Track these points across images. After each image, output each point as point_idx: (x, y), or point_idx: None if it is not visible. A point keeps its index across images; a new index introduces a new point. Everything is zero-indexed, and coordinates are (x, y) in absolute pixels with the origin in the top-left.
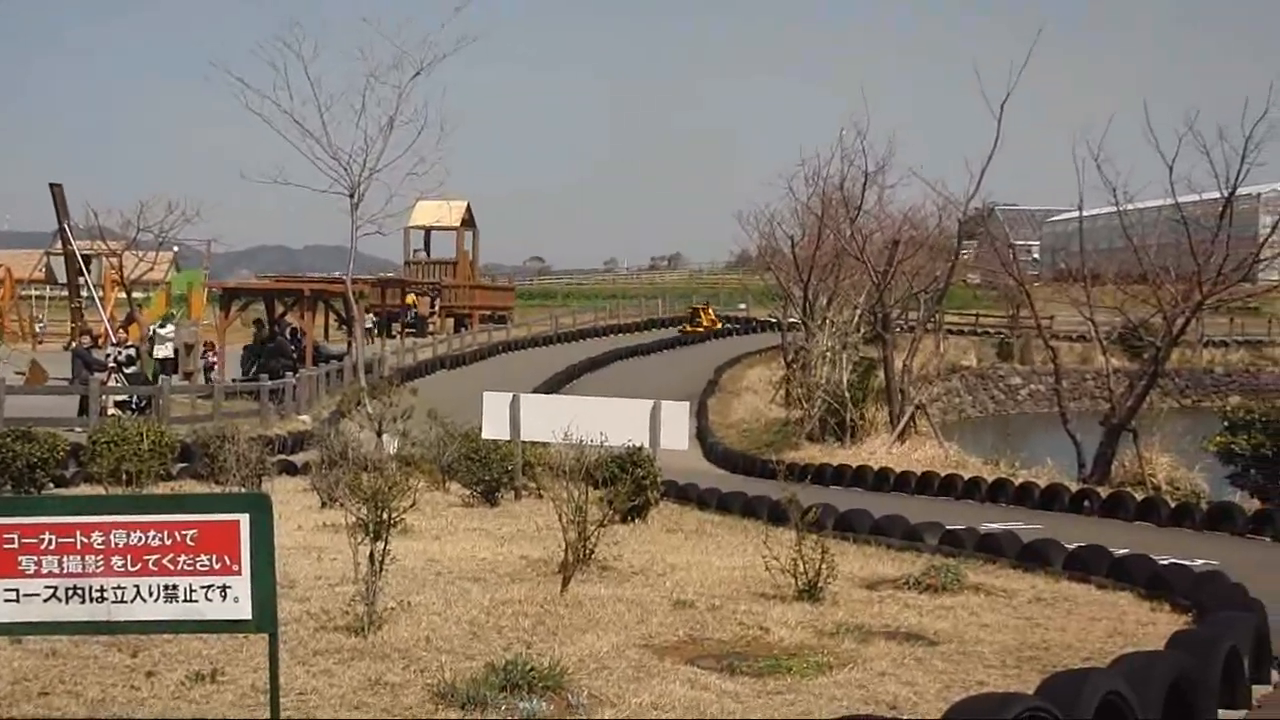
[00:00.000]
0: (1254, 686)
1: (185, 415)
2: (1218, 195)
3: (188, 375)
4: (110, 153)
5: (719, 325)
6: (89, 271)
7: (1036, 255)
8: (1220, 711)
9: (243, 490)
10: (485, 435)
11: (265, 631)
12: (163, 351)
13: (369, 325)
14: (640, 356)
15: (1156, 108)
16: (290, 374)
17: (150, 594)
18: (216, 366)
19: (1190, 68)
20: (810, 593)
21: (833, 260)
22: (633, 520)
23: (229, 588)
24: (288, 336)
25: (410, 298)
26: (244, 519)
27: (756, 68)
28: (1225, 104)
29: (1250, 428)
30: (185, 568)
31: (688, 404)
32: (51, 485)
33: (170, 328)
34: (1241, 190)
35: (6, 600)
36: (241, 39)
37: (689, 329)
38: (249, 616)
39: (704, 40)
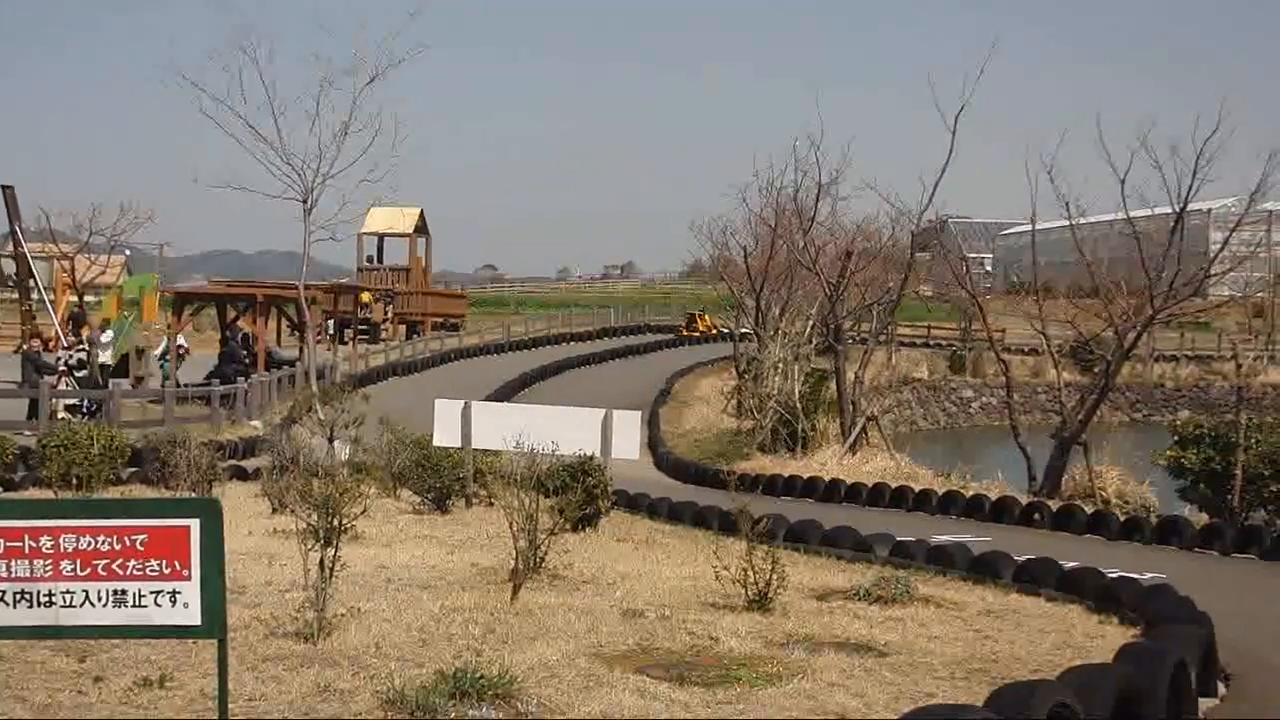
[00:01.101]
0: (1201, 699)
1: (136, 419)
2: (1169, 210)
3: (139, 380)
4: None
5: (715, 330)
6: (37, 274)
7: (989, 268)
8: None
9: (193, 495)
10: (437, 442)
11: (215, 637)
12: (103, 357)
13: (331, 331)
14: (592, 365)
15: (1109, 123)
16: (242, 379)
17: (99, 599)
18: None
19: (1143, 84)
20: (760, 603)
21: (786, 271)
22: (583, 529)
23: (179, 593)
24: (239, 342)
25: (366, 296)
26: (194, 524)
27: (712, 79)
28: (1177, 119)
29: (1199, 442)
30: (135, 573)
31: (639, 413)
32: (0, 489)
33: (109, 334)
34: (1193, 205)
35: None
36: (197, 43)
37: (685, 332)
38: (198, 622)
39: (659, 51)
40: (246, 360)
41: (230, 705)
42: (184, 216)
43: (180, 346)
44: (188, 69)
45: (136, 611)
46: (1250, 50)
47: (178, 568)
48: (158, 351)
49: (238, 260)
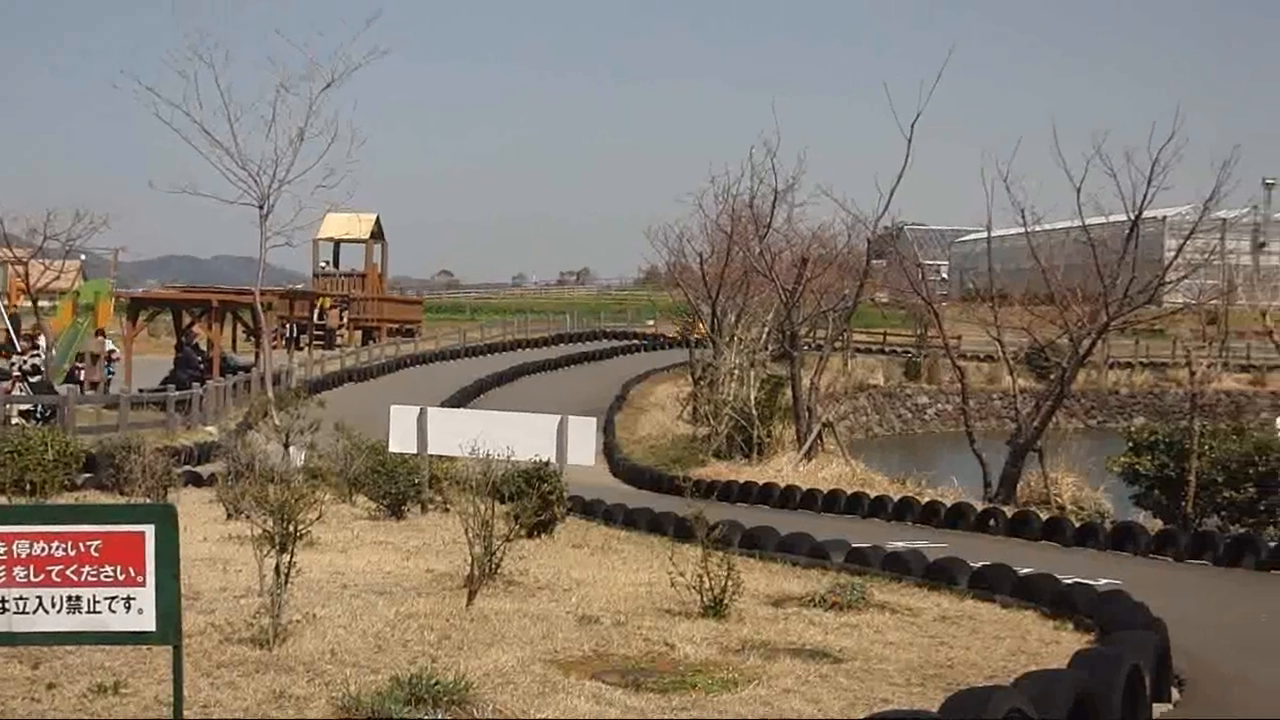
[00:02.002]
0: (1155, 705)
1: (91, 425)
2: (1124, 218)
3: (93, 385)
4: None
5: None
6: None
7: (945, 275)
8: None
9: (148, 501)
10: (392, 448)
11: (169, 643)
12: (34, 361)
13: (293, 334)
14: (548, 371)
15: (1065, 130)
16: (197, 385)
17: (53, 605)
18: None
19: (1099, 92)
20: (716, 609)
21: (741, 278)
22: (539, 535)
23: (133, 599)
24: (194, 347)
25: (326, 301)
26: (149, 530)
27: (670, 85)
28: (1133, 128)
29: (1154, 449)
30: (89, 579)
31: (595, 419)
32: None
33: (41, 340)
34: (1148, 213)
35: None
36: (153, 47)
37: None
38: (153, 628)
39: (615, 55)
40: (202, 365)
41: (185, 712)
42: (140, 221)
43: (110, 352)
44: (145, 75)
45: (91, 618)
46: (1205, 60)
47: (132, 574)
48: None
49: (194, 265)
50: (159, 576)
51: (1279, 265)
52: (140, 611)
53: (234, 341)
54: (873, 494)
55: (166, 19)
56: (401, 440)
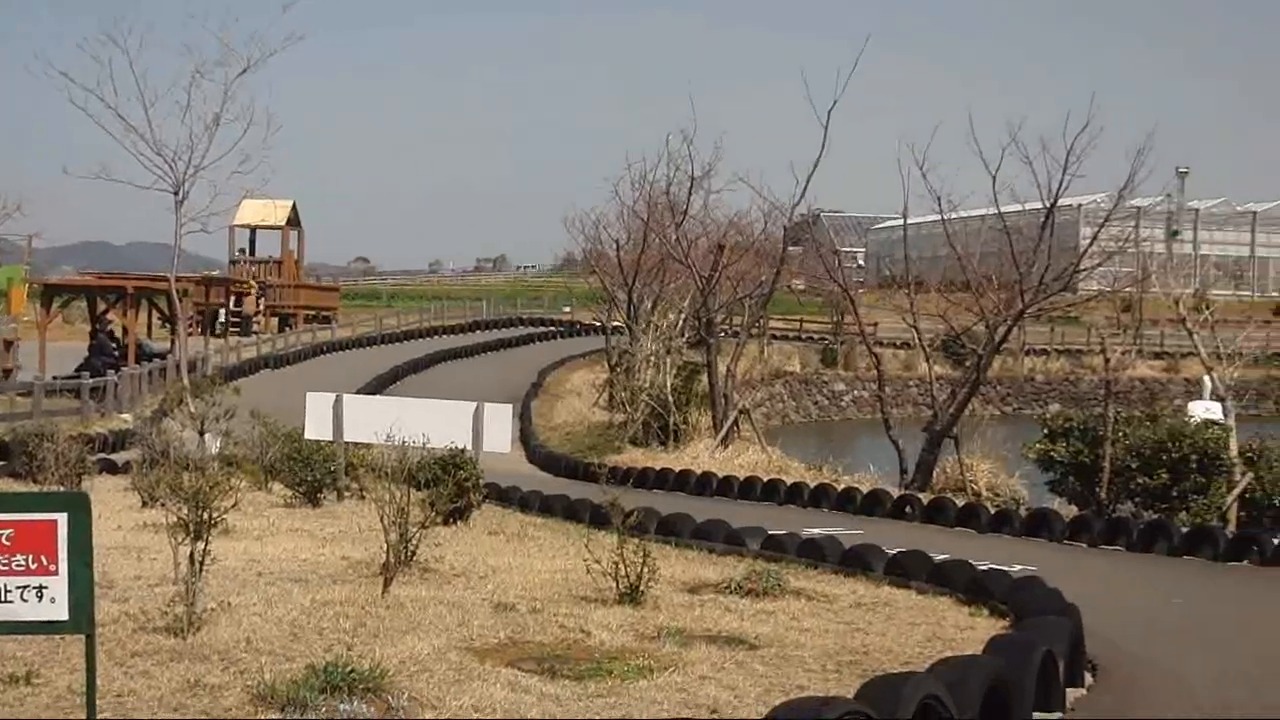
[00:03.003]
0: (1068, 689)
1: (3, 413)
2: (1040, 206)
3: (6, 372)
4: None
5: None
6: None
7: (862, 262)
8: (1035, 714)
9: (61, 489)
10: (308, 436)
11: (82, 633)
12: None
13: (222, 318)
14: (465, 358)
15: (980, 119)
16: (112, 372)
17: None
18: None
19: (1015, 80)
20: (632, 596)
21: (658, 264)
22: (455, 522)
23: (45, 588)
24: (109, 334)
25: (252, 286)
26: (61, 518)
27: (583, 68)
28: (1048, 116)
29: (1069, 435)
30: (0, 568)
31: (510, 406)
32: None
33: None
34: (1063, 201)
35: None
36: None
37: None
38: (65, 617)
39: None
40: (116, 353)
41: (98, 702)
42: (55, 207)
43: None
44: (59, 60)
45: (2, 607)
46: (1120, 49)
47: (44, 563)
48: None
49: (109, 252)
50: (72, 565)
51: (1192, 253)
52: (53, 601)
53: (149, 328)
54: (789, 481)
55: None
56: (318, 427)
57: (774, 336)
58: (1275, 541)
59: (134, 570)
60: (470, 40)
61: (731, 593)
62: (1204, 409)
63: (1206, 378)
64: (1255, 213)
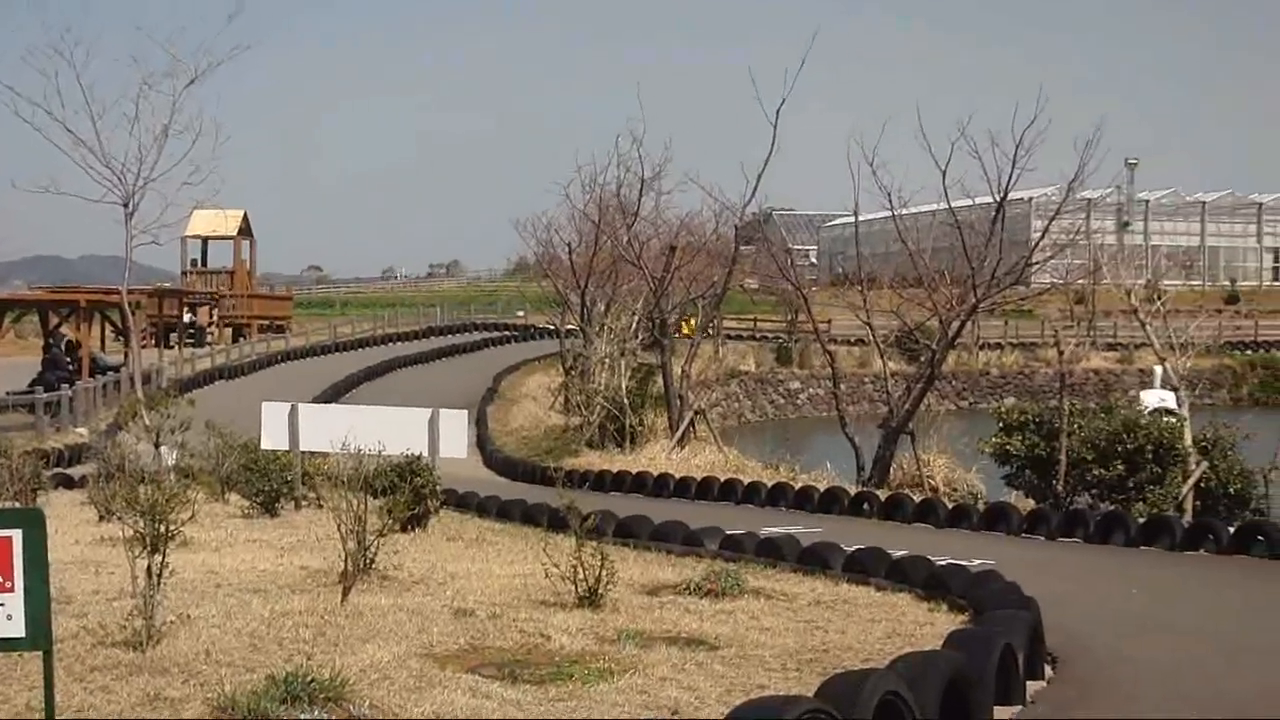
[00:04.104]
0: (1028, 682)
1: None
2: (990, 200)
3: None
4: None
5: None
6: None
7: (814, 260)
8: (995, 708)
9: (15, 505)
10: (264, 446)
11: (40, 649)
12: None
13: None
14: (419, 365)
15: (929, 114)
16: (66, 386)
17: None
18: None
19: (963, 74)
20: (591, 599)
21: (610, 266)
22: (413, 529)
23: (1, 605)
24: (63, 348)
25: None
26: (16, 535)
27: (535, 72)
28: (996, 110)
29: (1024, 429)
30: None
31: (466, 412)
32: None
33: None
34: (1013, 195)
35: None
36: (11, 44)
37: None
38: (22, 634)
39: (479, 44)
40: (70, 367)
41: (57, 717)
42: (3, 222)
43: None
44: (2, 72)
45: None
46: (1066, 41)
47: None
48: None
49: (61, 265)
50: (28, 581)
51: (1143, 244)
52: (9, 617)
53: (103, 341)
54: (746, 480)
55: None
56: (274, 437)
57: (728, 336)
58: (1231, 530)
59: (92, 585)
60: (421, 47)
61: (690, 594)
62: (1158, 399)
63: (1158, 367)
64: (1204, 203)
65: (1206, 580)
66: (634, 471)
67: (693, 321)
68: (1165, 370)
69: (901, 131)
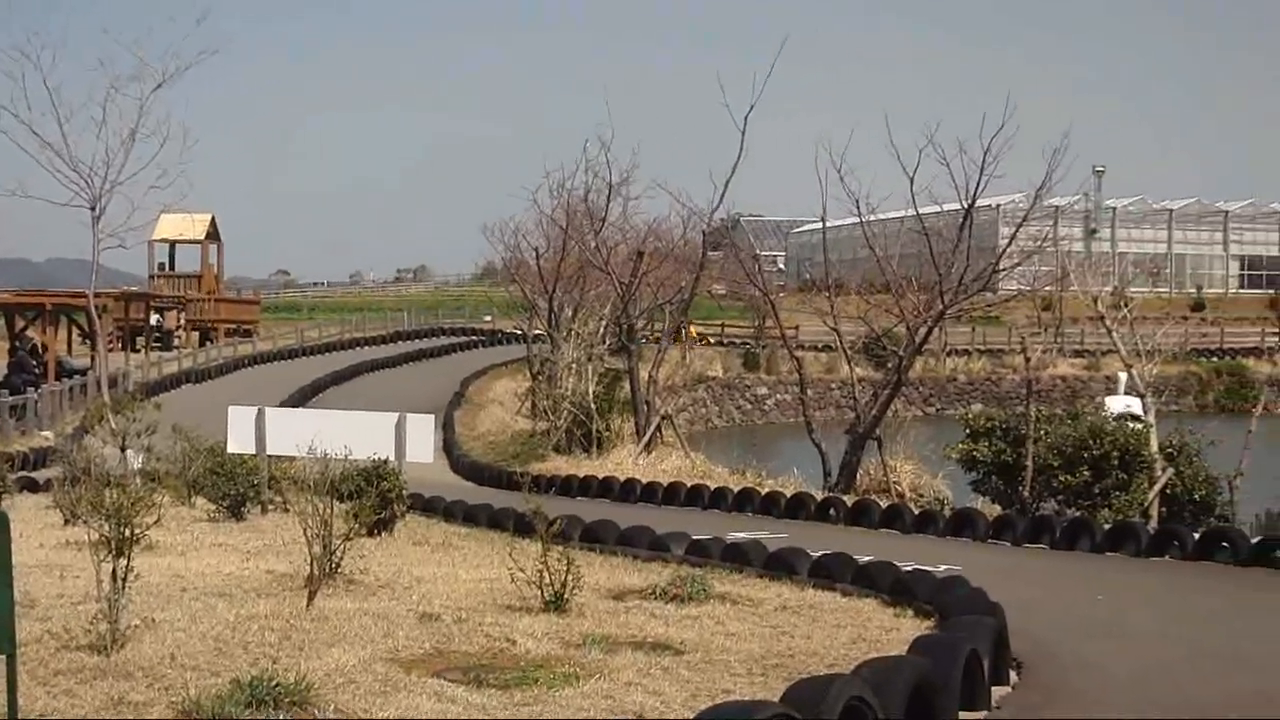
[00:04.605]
0: (994, 688)
1: None
2: (958, 207)
3: None
4: None
5: (697, 335)
6: None
7: (782, 266)
8: (961, 713)
9: None
10: (231, 450)
11: (3, 653)
12: None
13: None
14: (387, 369)
15: (897, 121)
16: (32, 389)
17: None
18: None
19: (931, 82)
20: (556, 604)
21: (578, 272)
22: (379, 533)
23: None
24: (29, 352)
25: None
26: None
27: (503, 76)
28: (965, 117)
29: (991, 435)
30: None
31: (433, 416)
32: None
33: None
34: (981, 202)
35: None
36: None
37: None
38: None
39: (446, 51)
40: (36, 370)
41: None
42: None
43: None
44: None
45: None
46: (1033, 49)
47: None
48: None
49: (28, 269)
50: None
51: (1110, 251)
52: None
53: (69, 345)
54: (713, 486)
55: None
56: (240, 441)
57: (695, 342)
58: (1196, 536)
59: (56, 588)
60: (388, 53)
61: (656, 599)
62: (1124, 404)
63: (1122, 373)
64: (1171, 210)
65: (1172, 586)
66: (600, 476)
67: (694, 328)
68: (1131, 376)
69: (870, 138)
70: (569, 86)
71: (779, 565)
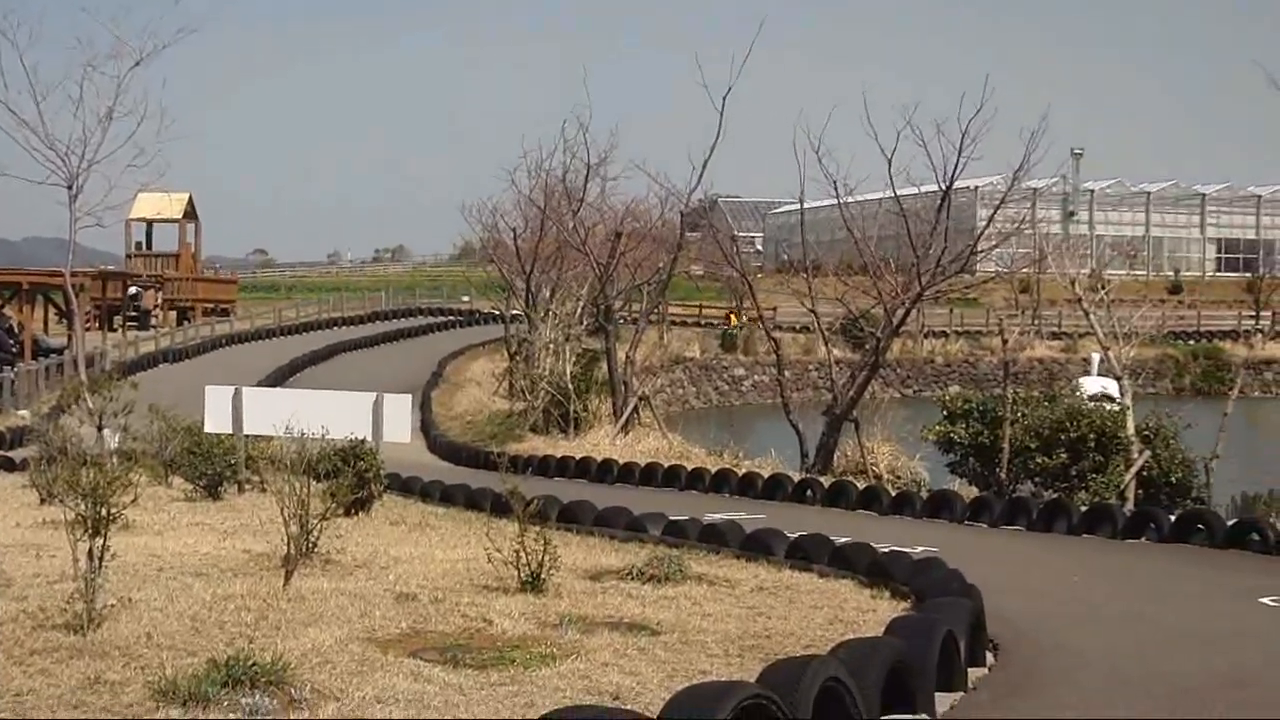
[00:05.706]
0: (970, 669)
1: None
2: (936, 188)
3: None
4: None
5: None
6: None
7: (760, 247)
8: (937, 694)
9: None
10: (208, 429)
11: None
12: None
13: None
14: (364, 349)
15: (876, 102)
16: (8, 368)
17: None
18: None
19: (909, 63)
20: (533, 584)
21: (555, 252)
22: (356, 513)
23: None
24: (5, 330)
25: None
26: None
27: (480, 54)
28: (942, 99)
29: (968, 417)
30: None
31: (410, 396)
32: None
33: None
34: (959, 183)
35: None
36: None
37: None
38: None
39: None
40: (13, 349)
41: None
42: None
43: None
44: None
45: None
46: (1011, 30)
47: None
48: None
49: (5, 247)
50: None
51: (1088, 233)
52: None
53: (46, 324)
54: (690, 466)
55: None
56: (217, 421)
57: (673, 322)
58: (1172, 518)
59: (33, 568)
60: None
61: (633, 579)
62: (1099, 385)
63: (1095, 353)
64: (1149, 193)
65: (1148, 568)
66: (578, 457)
67: (734, 315)
68: (1106, 357)
69: (848, 119)
70: (547, 65)
71: (756, 546)
